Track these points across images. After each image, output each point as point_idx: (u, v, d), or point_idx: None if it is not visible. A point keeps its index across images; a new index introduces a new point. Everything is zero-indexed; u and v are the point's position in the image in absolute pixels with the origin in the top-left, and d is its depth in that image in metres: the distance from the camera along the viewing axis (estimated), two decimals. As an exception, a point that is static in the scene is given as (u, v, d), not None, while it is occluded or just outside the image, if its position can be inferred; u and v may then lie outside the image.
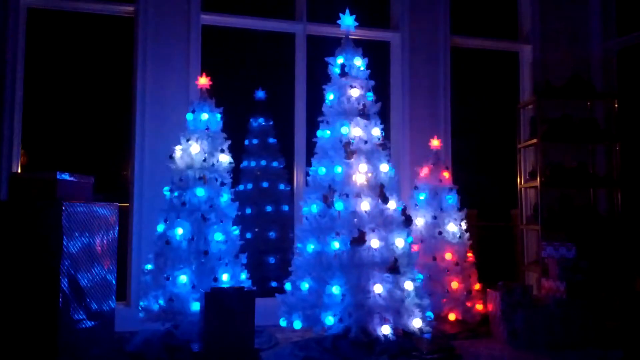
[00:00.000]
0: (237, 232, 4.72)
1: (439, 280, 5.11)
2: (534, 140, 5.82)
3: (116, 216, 4.18)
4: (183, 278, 4.40)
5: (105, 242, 4.02)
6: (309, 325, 4.37)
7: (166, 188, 4.70)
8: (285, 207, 6.93)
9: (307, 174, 4.77)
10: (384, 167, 4.63)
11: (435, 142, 5.53)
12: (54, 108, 5.72)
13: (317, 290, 4.35)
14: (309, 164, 4.87)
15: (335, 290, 4.24)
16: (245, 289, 4.10)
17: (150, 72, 5.30)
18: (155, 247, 4.57)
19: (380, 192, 4.49)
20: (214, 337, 3.85)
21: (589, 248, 5.44)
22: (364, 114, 4.65)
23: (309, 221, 4.56)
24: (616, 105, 6.18)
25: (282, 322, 4.52)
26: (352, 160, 4.53)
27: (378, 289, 4.22)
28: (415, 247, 4.87)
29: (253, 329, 3.99)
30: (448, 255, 5.16)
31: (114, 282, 4.15)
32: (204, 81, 4.88)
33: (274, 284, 6.35)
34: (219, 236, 4.52)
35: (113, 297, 4.13)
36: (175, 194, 4.61)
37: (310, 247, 4.47)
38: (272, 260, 6.72)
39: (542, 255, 5.32)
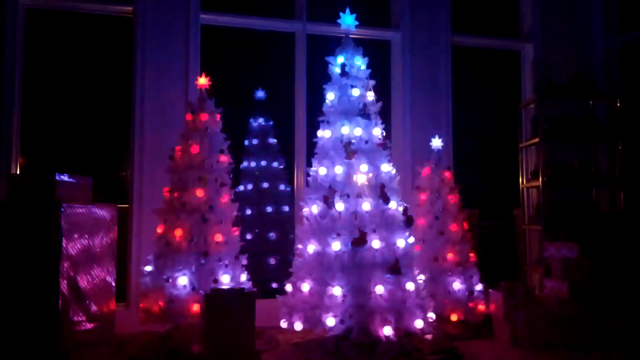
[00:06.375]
0: (237, 233, 4.70)
1: (440, 280, 5.09)
2: (536, 140, 5.79)
3: (115, 217, 4.17)
4: (183, 279, 4.37)
5: (104, 243, 4.00)
6: (310, 327, 4.34)
7: (166, 189, 4.68)
8: (286, 208, 6.90)
9: (308, 175, 4.75)
10: (385, 167, 4.60)
11: (436, 142, 5.49)
12: (53, 109, 5.69)
13: (318, 291, 4.32)
14: (309, 164, 4.84)
15: (336, 291, 4.21)
16: (246, 291, 4.08)
17: (149, 72, 5.28)
18: (154, 248, 4.55)
19: (381, 192, 4.46)
20: (214, 338, 3.82)
21: (592, 247, 5.41)
22: (364, 113, 4.62)
23: (310, 222, 4.53)
24: (618, 104, 6.15)
25: (283, 324, 4.49)
26: (353, 160, 4.50)
27: (379, 289, 4.19)
28: (416, 248, 4.84)
29: (254, 330, 3.96)
30: (450, 256, 5.14)
31: (113, 283, 4.13)
32: (203, 81, 4.86)
33: (274, 285, 6.32)
34: (218, 237, 4.50)
35: (113, 298, 4.11)
36: (175, 194, 4.58)
37: (311, 248, 4.45)
38: (272, 261, 6.69)
39: (545, 255, 5.30)
